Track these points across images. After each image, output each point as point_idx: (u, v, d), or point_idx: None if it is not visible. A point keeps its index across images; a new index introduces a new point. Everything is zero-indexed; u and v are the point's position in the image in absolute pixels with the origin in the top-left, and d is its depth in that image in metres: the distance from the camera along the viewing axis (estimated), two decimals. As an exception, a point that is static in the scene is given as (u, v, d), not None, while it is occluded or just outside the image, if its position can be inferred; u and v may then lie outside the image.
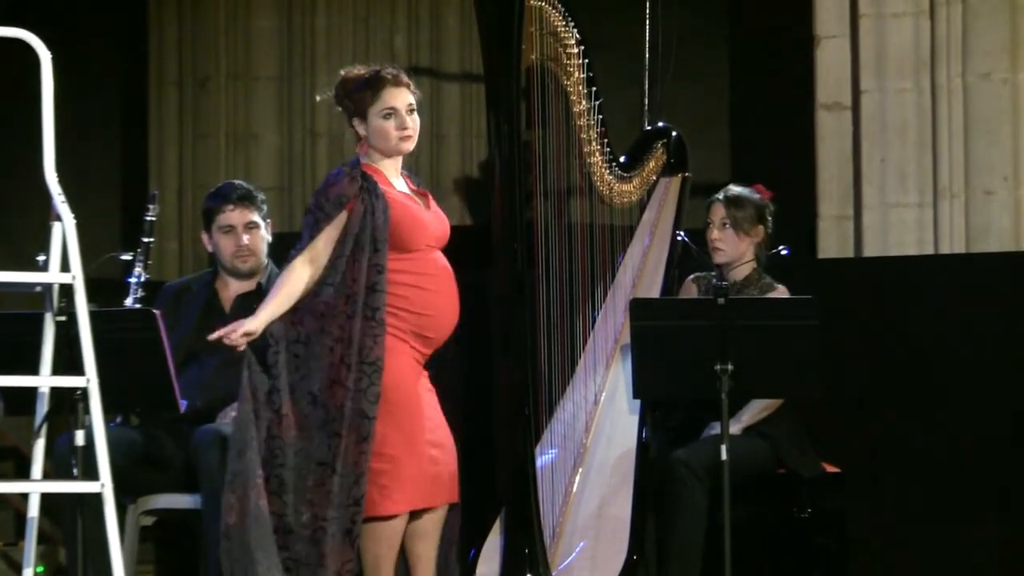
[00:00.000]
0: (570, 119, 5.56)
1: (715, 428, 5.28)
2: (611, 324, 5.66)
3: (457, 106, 7.95)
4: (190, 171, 8.01)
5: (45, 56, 4.24)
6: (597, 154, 5.64)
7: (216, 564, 4.89)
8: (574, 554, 5.28)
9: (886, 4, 6.65)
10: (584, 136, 5.60)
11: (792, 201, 6.16)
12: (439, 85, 7.89)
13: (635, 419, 5.49)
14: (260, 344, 4.86)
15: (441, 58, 7.96)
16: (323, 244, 4.91)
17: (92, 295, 4.27)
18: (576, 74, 5.54)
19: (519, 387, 5.20)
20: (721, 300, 4.97)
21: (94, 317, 4.24)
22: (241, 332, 4.81)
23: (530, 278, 5.31)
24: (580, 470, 5.45)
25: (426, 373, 5.05)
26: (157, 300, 5.42)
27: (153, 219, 5.55)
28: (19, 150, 5.89)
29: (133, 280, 5.39)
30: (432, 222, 5.06)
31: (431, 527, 5.02)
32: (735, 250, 5.62)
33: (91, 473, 4.26)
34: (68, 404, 4.34)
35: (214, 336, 4.86)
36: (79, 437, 4.35)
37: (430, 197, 5.17)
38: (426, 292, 4.97)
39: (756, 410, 5.48)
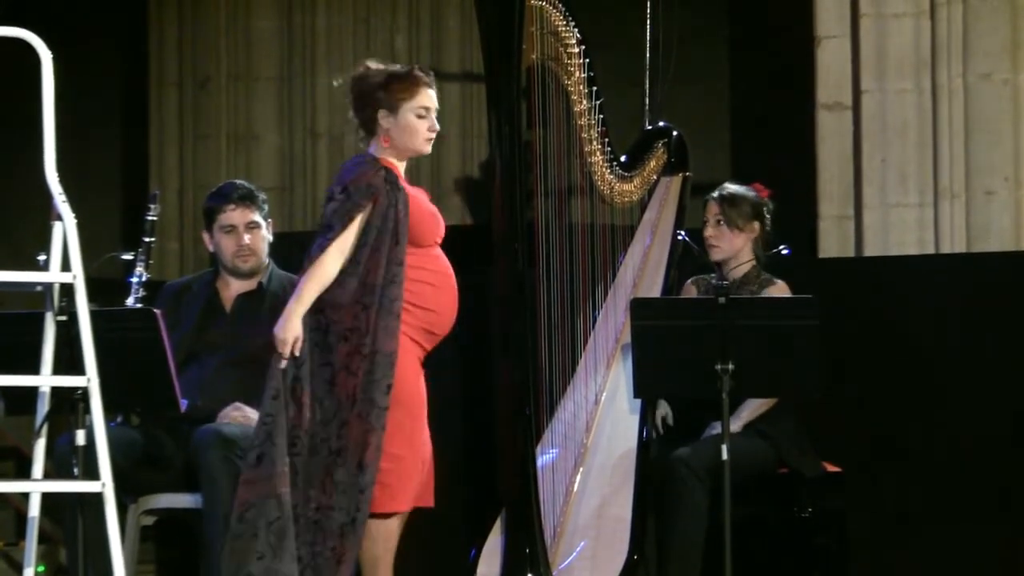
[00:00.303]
0: (571, 119, 5.56)
1: (716, 428, 5.28)
2: (612, 324, 5.66)
3: (457, 106, 7.95)
4: (190, 171, 8.01)
5: (45, 56, 4.24)
6: (598, 154, 5.64)
7: (216, 564, 4.89)
8: (574, 554, 5.28)
9: (886, 4, 6.65)
10: (585, 136, 5.60)
11: (792, 201, 6.17)
12: (439, 85, 7.85)
13: (636, 419, 5.49)
14: None
15: (441, 58, 7.97)
16: (354, 234, 4.88)
17: (93, 295, 4.27)
18: (577, 74, 5.55)
19: (519, 387, 5.20)
20: (721, 300, 4.98)
21: (95, 317, 4.24)
22: (287, 341, 4.78)
23: (530, 278, 5.31)
24: (580, 470, 5.45)
25: (423, 372, 5.05)
26: (158, 300, 5.42)
27: (154, 219, 5.55)
28: (19, 150, 5.89)
29: (134, 280, 5.39)
30: (440, 219, 5.07)
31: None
32: (730, 247, 5.63)
33: (91, 473, 4.26)
34: (69, 404, 4.33)
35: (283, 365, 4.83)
36: (80, 437, 4.35)
37: (427, 195, 5.18)
38: (435, 288, 4.97)
39: (755, 406, 5.49)
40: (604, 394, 5.57)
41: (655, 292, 5.68)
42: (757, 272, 5.64)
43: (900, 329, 6.17)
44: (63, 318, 4.28)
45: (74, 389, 4.28)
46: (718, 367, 4.95)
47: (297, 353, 4.80)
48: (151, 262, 5.50)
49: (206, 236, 5.50)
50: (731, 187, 5.68)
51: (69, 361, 4.26)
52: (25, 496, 4.46)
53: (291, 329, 4.80)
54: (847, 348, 6.04)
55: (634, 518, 5.30)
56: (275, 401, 4.80)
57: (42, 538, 5.78)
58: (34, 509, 4.35)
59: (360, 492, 4.79)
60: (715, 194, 5.68)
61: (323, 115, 7.94)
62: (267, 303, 5.35)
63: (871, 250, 6.61)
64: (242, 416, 5.18)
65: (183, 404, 5.02)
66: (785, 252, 5.71)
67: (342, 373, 4.82)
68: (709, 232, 5.65)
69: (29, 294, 4.39)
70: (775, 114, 7.56)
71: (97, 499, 4.22)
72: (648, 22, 6.45)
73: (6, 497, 7.38)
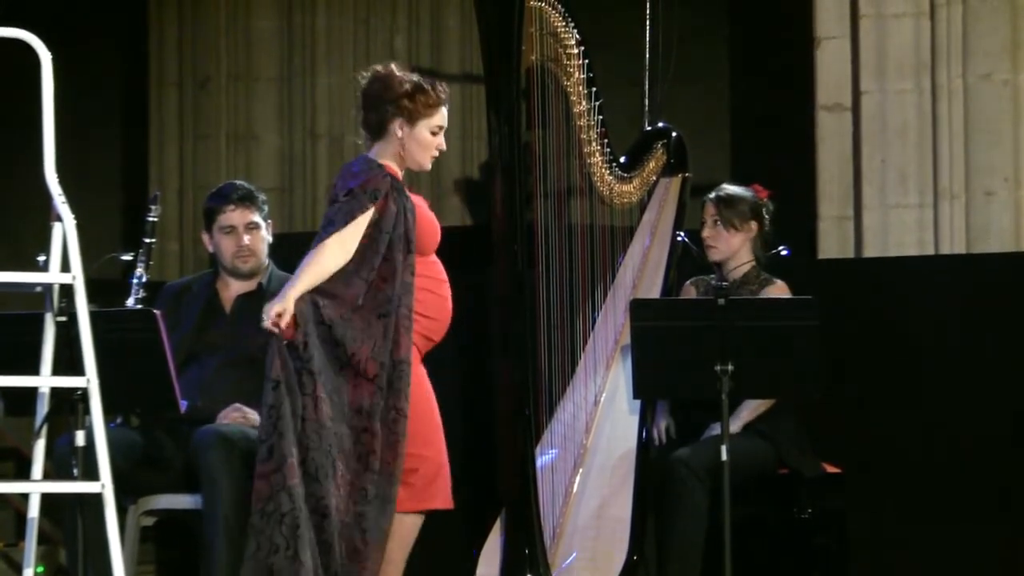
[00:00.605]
0: (570, 119, 5.56)
1: (715, 428, 5.28)
2: (611, 324, 5.67)
3: (457, 106, 7.94)
4: (190, 172, 8.01)
5: (45, 56, 4.24)
6: (597, 154, 5.64)
7: (216, 564, 4.89)
8: (574, 554, 5.28)
9: (886, 5, 6.65)
10: (584, 136, 5.60)
11: (792, 202, 6.17)
12: (439, 85, 7.90)
13: (635, 419, 5.49)
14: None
15: (441, 59, 7.97)
16: (355, 231, 4.83)
17: (92, 295, 4.27)
18: (576, 74, 5.55)
19: (519, 387, 5.21)
20: (721, 301, 4.98)
21: (94, 317, 4.24)
22: (273, 313, 4.74)
23: (530, 278, 5.31)
24: (580, 470, 5.46)
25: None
26: (158, 300, 5.42)
27: (155, 220, 5.54)
28: (19, 150, 5.89)
29: (134, 280, 5.39)
30: (439, 226, 5.06)
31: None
32: (727, 247, 5.64)
33: (91, 473, 4.26)
34: (68, 404, 4.33)
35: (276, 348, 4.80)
36: (79, 437, 4.34)
37: (427, 202, 5.19)
38: (437, 296, 4.96)
39: (754, 407, 5.49)
40: (604, 395, 5.58)
41: (654, 293, 5.68)
42: (757, 272, 5.64)
43: (900, 329, 6.17)
44: (63, 319, 4.27)
45: (74, 390, 4.27)
46: (718, 368, 4.95)
47: (283, 325, 4.76)
48: (151, 263, 5.50)
49: (206, 237, 5.50)
50: (728, 188, 5.69)
51: (69, 362, 4.26)
52: (25, 497, 4.46)
53: (284, 304, 4.72)
54: (847, 348, 6.04)
55: (634, 518, 5.31)
56: (276, 391, 4.76)
57: (42, 539, 5.79)
58: (34, 510, 4.34)
59: (388, 503, 4.78)
60: (712, 195, 5.69)
61: (323, 116, 7.94)
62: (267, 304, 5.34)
63: (871, 251, 6.61)
64: (242, 417, 5.19)
65: (183, 405, 5.02)
66: (785, 253, 5.71)
67: (356, 379, 4.79)
68: (706, 233, 5.66)
69: (29, 295, 4.38)
70: (775, 114, 7.56)
71: (97, 500, 4.21)
72: (648, 22, 6.46)
73: (6, 498, 7.38)
